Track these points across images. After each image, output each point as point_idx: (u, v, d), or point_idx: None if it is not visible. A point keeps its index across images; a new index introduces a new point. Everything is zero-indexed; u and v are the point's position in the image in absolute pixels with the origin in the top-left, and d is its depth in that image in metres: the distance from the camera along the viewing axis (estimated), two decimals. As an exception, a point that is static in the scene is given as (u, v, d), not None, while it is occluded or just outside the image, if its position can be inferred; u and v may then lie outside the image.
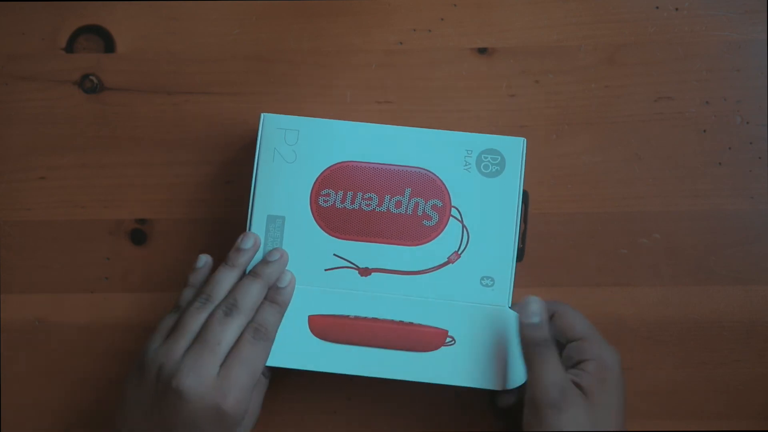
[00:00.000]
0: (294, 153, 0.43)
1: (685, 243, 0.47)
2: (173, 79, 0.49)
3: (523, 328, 0.39)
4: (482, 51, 0.49)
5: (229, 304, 0.39)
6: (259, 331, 0.39)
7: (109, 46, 0.49)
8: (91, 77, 0.49)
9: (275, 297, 0.41)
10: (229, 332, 0.38)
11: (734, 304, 0.47)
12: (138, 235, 0.48)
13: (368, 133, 0.43)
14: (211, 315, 0.39)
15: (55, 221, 0.48)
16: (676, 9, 0.48)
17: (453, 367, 0.41)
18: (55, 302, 0.48)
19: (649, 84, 0.48)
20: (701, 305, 0.47)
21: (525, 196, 0.43)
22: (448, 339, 0.41)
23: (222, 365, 0.37)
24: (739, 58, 0.48)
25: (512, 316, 0.41)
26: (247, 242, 0.42)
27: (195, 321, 0.39)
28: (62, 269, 0.48)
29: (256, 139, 0.43)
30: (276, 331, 0.41)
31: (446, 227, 0.42)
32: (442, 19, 0.49)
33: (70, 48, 0.49)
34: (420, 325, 0.42)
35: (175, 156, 0.49)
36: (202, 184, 0.48)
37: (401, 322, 0.42)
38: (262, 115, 0.44)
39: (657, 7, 0.48)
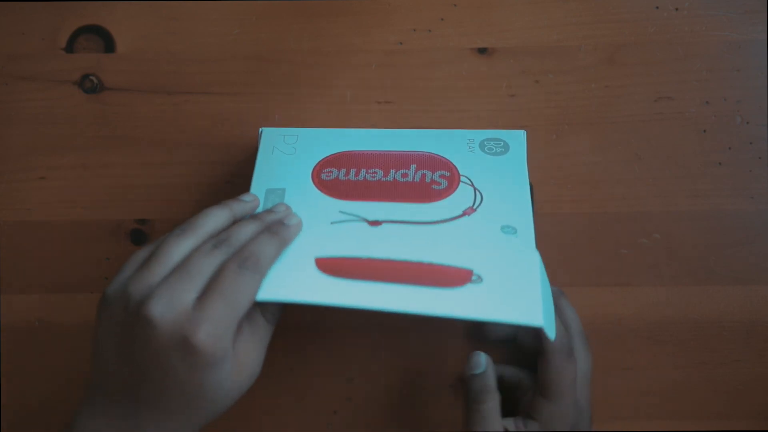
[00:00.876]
0: (294, 149, 0.43)
1: (685, 243, 0.47)
2: (173, 79, 0.49)
3: (469, 379, 0.41)
4: (482, 51, 0.49)
5: (220, 239, 0.34)
6: (248, 260, 0.33)
7: (109, 46, 0.49)
8: (91, 77, 0.49)
9: (277, 229, 0.35)
10: (215, 264, 0.33)
11: (734, 304, 0.47)
12: (138, 235, 0.48)
13: (368, 134, 0.43)
14: (196, 249, 0.33)
15: (55, 221, 0.48)
16: (676, 9, 0.48)
17: (481, 302, 0.34)
18: (55, 302, 0.48)
19: (649, 84, 0.48)
20: (701, 305, 0.47)
21: (530, 187, 0.43)
22: (474, 277, 0.36)
23: (200, 297, 0.32)
24: (739, 58, 0.48)
25: (539, 258, 0.37)
26: (247, 196, 0.38)
27: (174, 249, 0.33)
28: (62, 269, 0.48)
29: (255, 140, 0.43)
30: (269, 265, 0.34)
31: (457, 189, 0.40)
32: (442, 19, 0.49)
33: (70, 48, 0.49)
34: (442, 265, 0.36)
35: (175, 156, 0.49)
36: (202, 184, 0.48)
37: (421, 263, 0.36)
38: (261, 129, 0.44)
39: (657, 7, 0.48)
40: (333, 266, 0.36)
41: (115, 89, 0.49)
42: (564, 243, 0.48)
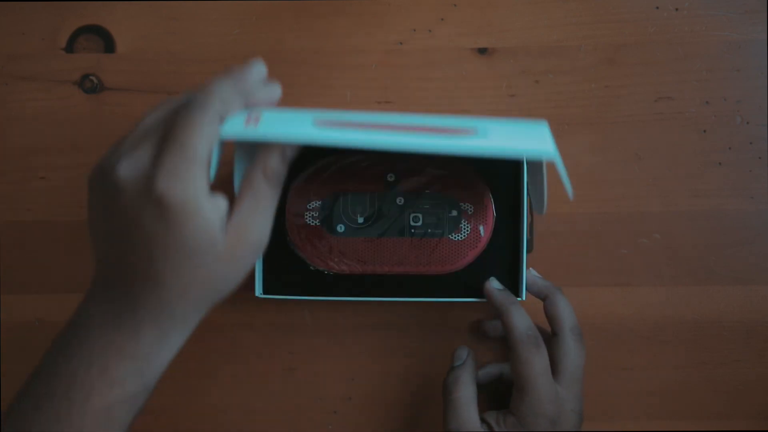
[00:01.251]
0: None
1: (685, 243, 0.47)
2: (173, 79, 0.49)
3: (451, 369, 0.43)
4: (482, 51, 0.49)
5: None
6: (196, 97, 0.30)
7: (109, 46, 0.49)
8: (91, 77, 0.49)
9: (243, 85, 0.32)
10: None
11: (734, 304, 0.47)
12: (138, 235, 0.48)
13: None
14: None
15: (55, 221, 0.48)
16: (676, 9, 0.48)
17: (488, 141, 0.32)
18: (55, 302, 0.48)
19: (649, 84, 0.48)
20: (701, 305, 0.47)
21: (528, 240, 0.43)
22: (480, 131, 0.33)
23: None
24: (739, 58, 0.48)
25: (547, 126, 0.35)
26: (257, 65, 0.34)
27: (147, 118, 0.31)
28: (62, 269, 0.48)
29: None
30: (222, 101, 0.30)
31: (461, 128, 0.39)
32: (442, 19, 0.49)
33: (70, 48, 0.49)
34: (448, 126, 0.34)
35: (175, 156, 0.48)
36: (202, 184, 0.48)
37: (424, 125, 0.33)
38: None
39: (657, 7, 0.48)
40: (332, 122, 0.32)
41: (115, 89, 0.49)
42: (564, 243, 0.48)
